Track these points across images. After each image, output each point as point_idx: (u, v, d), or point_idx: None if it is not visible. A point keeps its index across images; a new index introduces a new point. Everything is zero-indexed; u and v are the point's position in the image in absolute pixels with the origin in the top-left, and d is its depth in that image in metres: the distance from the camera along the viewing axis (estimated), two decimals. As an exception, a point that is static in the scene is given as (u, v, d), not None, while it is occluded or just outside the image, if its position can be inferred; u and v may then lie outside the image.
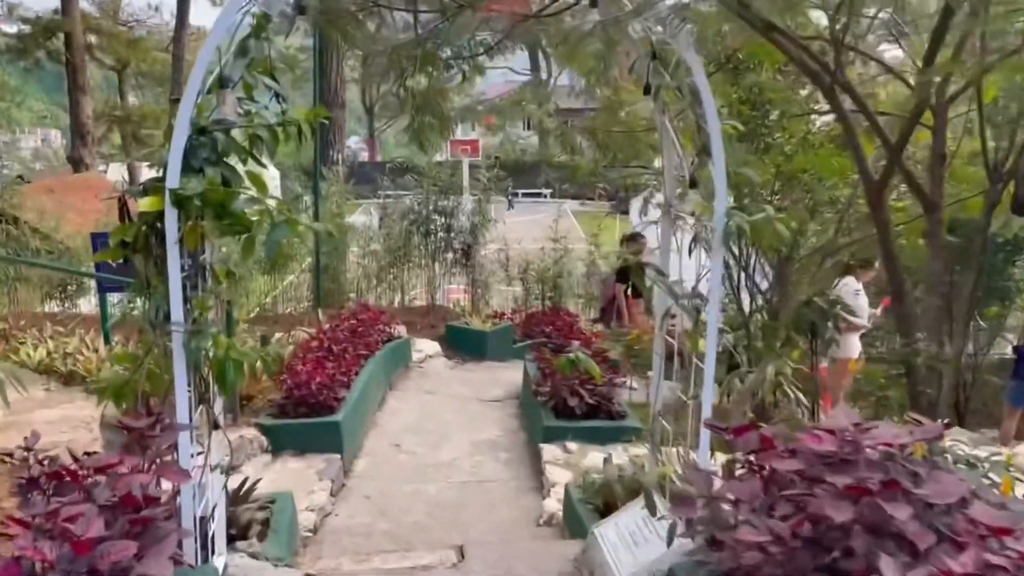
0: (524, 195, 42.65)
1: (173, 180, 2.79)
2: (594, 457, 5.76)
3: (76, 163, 27.87)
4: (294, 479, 5.46)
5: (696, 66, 3.08)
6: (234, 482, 4.85)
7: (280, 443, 5.94)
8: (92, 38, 31.15)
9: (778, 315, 6.52)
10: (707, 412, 3.19)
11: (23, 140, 60.24)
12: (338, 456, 5.85)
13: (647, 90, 3.38)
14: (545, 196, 47.80)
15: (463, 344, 10.68)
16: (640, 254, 6.46)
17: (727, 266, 14.06)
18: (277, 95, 3.26)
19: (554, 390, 6.30)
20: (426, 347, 10.19)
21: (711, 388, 3.20)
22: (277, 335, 8.81)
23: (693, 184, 3.27)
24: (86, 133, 28.01)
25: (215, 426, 3.38)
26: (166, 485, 2.85)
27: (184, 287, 2.98)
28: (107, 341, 7.25)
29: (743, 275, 11.89)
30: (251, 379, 6.44)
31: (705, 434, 3.21)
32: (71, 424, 5.71)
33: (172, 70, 17.92)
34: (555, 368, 6.04)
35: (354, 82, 56.24)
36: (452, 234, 11.81)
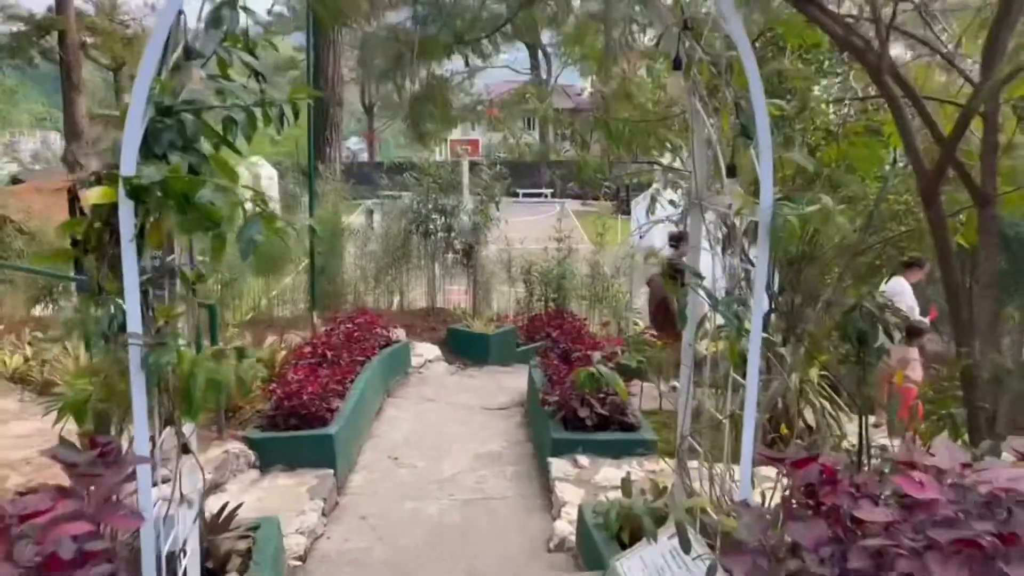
0: (525, 195, 42.29)
1: (128, 167, 2.37)
2: (607, 473, 5.35)
3: (71, 164, 27.41)
4: (283, 498, 5.04)
5: (740, 36, 2.66)
6: (214, 505, 4.43)
7: (269, 458, 5.52)
8: (87, 37, 30.72)
9: (795, 320, 6.12)
10: (749, 436, 2.78)
11: (22, 142, 60.06)
12: (331, 472, 5.43)
13: (676, 64, 2.97)
14: (546, 196, 47.50)
15: (465, 348, 10.27)
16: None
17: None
18: (256, 73, 2.85)
19: (563, 400, 5.89)
20: (426, 351, 9.78)
21: (754, 407, 2.78)
22: (269, 340, 8.41)
23: (731, 172, 2.86)
24: (80, 133, 27.56)
25: (184, 450, 2.97)
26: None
27: (146, 293, 2.57)
28: (88, 348, 6.84)
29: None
30: (236, 388, 6.02)
31: (747, 465, 2.78)
32: (46, 438, 5.29)
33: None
34: (572, 382, 5.62)
35: (353, 82, 56.08)
36: (452, 234, 11.38)
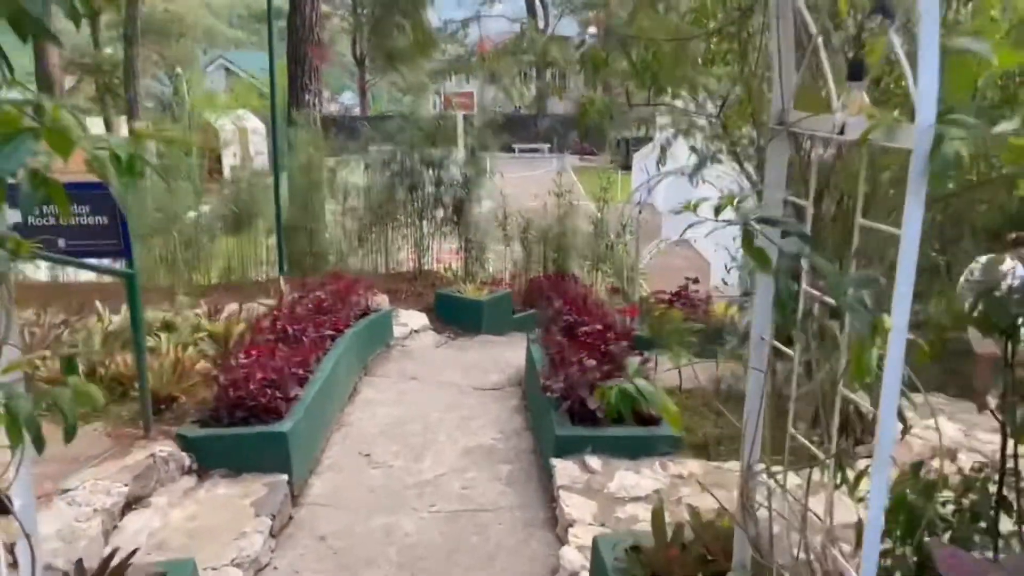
0: (521, 150, 40.94)
1: None
2: (624, 479, 4.35)
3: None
4: (222, 514, 4.04)
5: None
6: (126, 532, 3.45)
7: (208, 460, 4.51)
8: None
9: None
10: (881, 494, 1.74)
11: (6, 94, 58.73)
12: (285, 477, 4.43)
13: None
14: (543, 151, 46.21)
15: (455, 316, 9.25)
16: None
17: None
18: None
19: (569, 387, 4.86)
20: (412, 320, 8.75)
21: (889, 452, 1.74)
22: (230, 309, 7.35)
23: (857, 72, 1.77)
24: (53, 83, 26.14)
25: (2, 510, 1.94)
26: None
27: None
28: None
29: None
30: (172, 374, 4.99)
31: (873, 548, 1.75)
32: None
33: (126, 2, 16.13)
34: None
35: (344, 32, 54.25)
36: (442, 188, 10.26)
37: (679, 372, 6.17)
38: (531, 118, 49.53)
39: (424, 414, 5.99)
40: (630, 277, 12.37)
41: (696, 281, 10.65)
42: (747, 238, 1.70)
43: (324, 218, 11.48)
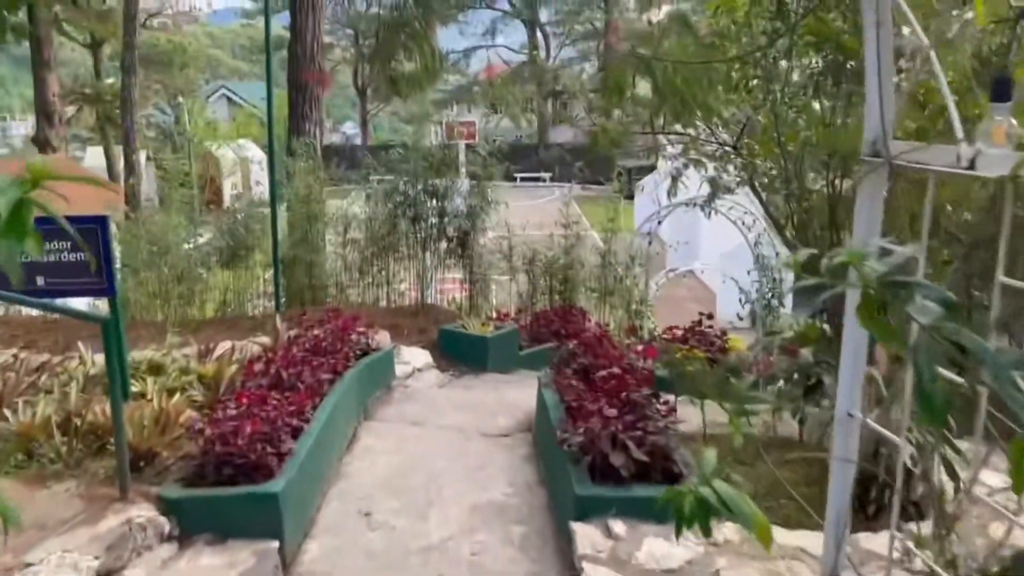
0: (522, 179, 40.72)
1: None
2: (654, 547, 3.90)
3: (41, 145, 25.83)
4: (203, 590, 3.60)
5: None
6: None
7: (192, 523, 4.07)
8: (61, 12, 29.01)
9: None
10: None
11: (13, 127, 58.96)
12: (275, 544, 3.98)
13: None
14: (544, 180, 46.06)
15: (459, 352, 8.84)
16: None
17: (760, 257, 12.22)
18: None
19: (589, 441, 4.42)
20: (414, 358, 8.33)
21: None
22: (223, 348, 6.94)
23: (1004, 92, 1.37)
24: (52, 112, 25.91)
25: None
26: None
27: None
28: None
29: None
30: (154, 426, 4.57)
31: None
32: None
33: (123, 32, 15.87)
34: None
35: (346, 63, 54.42)
36: (446, 219, 9.89)
37: (702, 415, 5.76)
38: (533, 147, 49.49)
39: (428, 463, 5.55)
40: (638, 310, 11.98)
41: (710, 317, 10.25)
42: (868, 306, 1.30)
43: (324, 250, 11.12)
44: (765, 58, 5.34)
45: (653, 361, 5.97)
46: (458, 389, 7.83)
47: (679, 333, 9.76)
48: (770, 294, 10.87)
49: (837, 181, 5.11)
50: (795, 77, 5.64)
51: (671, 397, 6.23)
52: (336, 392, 5.63)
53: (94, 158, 33.25)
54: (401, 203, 9.70)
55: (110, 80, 34.01)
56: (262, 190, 22.48)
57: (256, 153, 34.58)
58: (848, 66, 4.87)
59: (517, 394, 7.51)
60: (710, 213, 10.50)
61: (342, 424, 5.70)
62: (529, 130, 51.78)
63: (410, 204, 9.70)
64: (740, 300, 12.39)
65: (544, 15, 49.09)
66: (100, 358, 6.05)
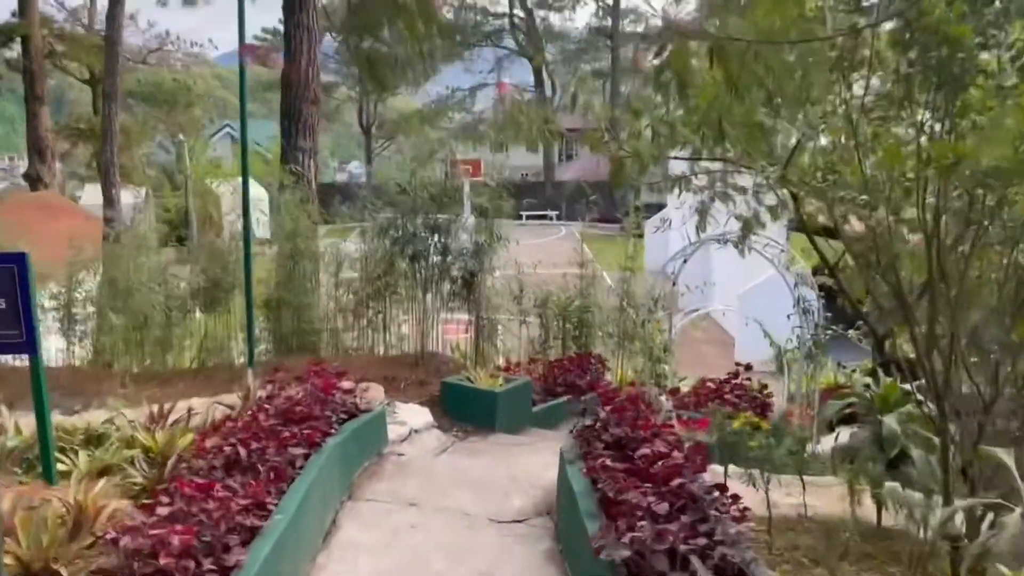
0: (528, 217, 39.85)
1: None
2: None
3: (33, 181, 25.08)
4: None
5: None
6: None
7: None
8: (57, 45, 28.52)
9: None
10: None
11: (21, 167, 58.91)
12: None
13: None
14: (551, 218, 45.24)
15: (464, 409, 7.73)
16: None
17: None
18: None
19: (638, 556, 3.29)
20: (411, 416, 7.22)
21: None
22: (183, 408, 5.82)
23: None
24: (44, 148, 25.26)
25: None
26: None
27: None
28: None
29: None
30: (57, 531, 3.46)
31: None
32: None
33: (106, 57, 15.02)
34: None
35: (352, 101, 54.12)
36: (449, 258, 8.83)
37: (766, 499, 4.61)
38: (539, 184, 48.78)
39: (425, 564, 4.41)
40: (659, 357, 10.86)
41: (748, 368, 9.14)
42: None
43: (314, 291, 10.06)
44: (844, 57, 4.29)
45: (705, 433, 4.86)
46: (462, 456, 6.70)
47: (712, 386, 8.66)
48: (810, 340, 9.73)
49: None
50: (874, 82, 4.60)
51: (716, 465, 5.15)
52: (310, 471, 4.51)
53: (92, 196, 32.56)
54: (399, 239, 8.64)
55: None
56: (263, 227, 21.61)
57: (259, 191, 33.78)
58: (955, 61, 3.82)
59: (532, 461, 6.40)
60: (745, 251, 9.49)
61: (317, 512, 4.57)
62: (536, 167, 51.12)
63: (408, 240, 8.64)
64: (779, 349, 11.18)
65: (549, 55, 48.73)
66: (30, 420, 4.96)
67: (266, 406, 5.30)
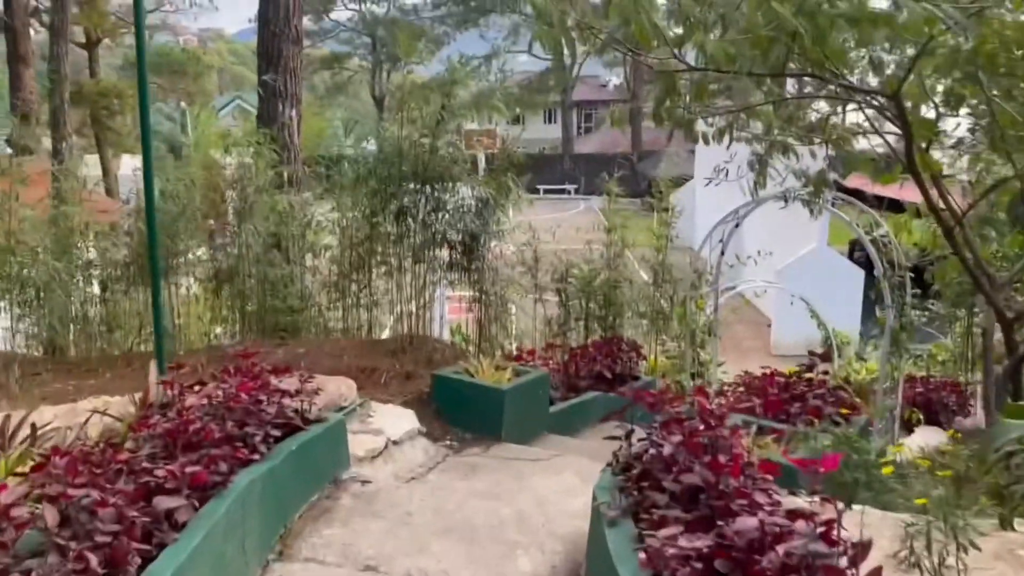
0: (545, 191, 38.08)
1: None
2: None
3: (16, 147, 23.48)
4: None
5: None
6: None
7: None
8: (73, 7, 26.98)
9: None
10: None
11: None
12: None
13: None
14: (570, 192, 43.36)
15: (462, 410, 5.99)
16: None
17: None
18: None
19: None
20: (390, 422, 5.46)
21: None
22: (58, 413, 4.13)
23: None
24: (30, 112, 23.64)
25: None
26: None
27: None
28: None
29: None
30: None
31: None
32: None
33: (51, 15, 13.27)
34: None
35: (363, 70, 52.30)
36: (445, 216, 7.00)
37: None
38: (557, 157, 46.81)
39: None
40: (704, 341, 9.04)
41: (825, 357, 7.31)
42: None
43: (297, 265, 8.33)
44: None
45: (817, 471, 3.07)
46: (455, 477, 4.95)
47: (782, 381, 6.83)
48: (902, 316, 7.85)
49: None
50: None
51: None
52: (195, 533, 2.79)
53: (93, 167, 31.20)
54: (379, 191, 6.81)
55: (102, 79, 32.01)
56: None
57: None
58: None
59: (549, 487, 4.69)
60: (817, 211, 7.69)
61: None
62: (554, 140, 49.09)
63: (392, 195, 6.80)
64: (831, 333, 9.33)
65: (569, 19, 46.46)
66: None
67: (173, 408, 3.58)
